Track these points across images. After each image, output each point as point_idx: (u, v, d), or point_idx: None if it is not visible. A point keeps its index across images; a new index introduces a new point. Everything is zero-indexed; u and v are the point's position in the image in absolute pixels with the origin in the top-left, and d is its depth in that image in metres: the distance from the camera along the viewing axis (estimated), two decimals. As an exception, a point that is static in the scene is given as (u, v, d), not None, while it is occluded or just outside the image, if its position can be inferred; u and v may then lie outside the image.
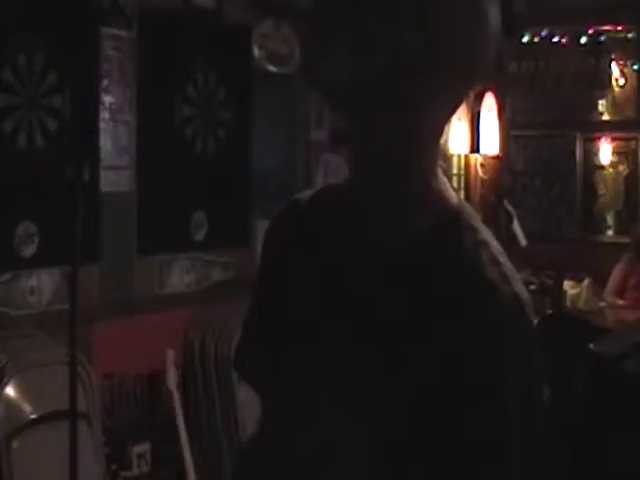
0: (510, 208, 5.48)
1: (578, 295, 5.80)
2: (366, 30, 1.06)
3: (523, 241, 5.62)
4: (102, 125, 3.85)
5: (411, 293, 1.08)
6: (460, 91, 1.13)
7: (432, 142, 1.13)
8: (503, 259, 1.10)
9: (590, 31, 6.32)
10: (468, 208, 1.15)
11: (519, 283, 1.09)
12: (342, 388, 1.10)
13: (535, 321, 1.09)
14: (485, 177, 6.68)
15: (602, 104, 6.46)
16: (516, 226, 5.38)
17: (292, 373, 1.17)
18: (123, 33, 3.93)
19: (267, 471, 1.19)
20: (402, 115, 1.09)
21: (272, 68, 4.72)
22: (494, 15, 1.09)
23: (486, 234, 1.12)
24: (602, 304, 5.49)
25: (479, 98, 6.29)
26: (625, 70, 6.36)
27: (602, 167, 6.52)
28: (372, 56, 1.06)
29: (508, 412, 1.03)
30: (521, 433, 1.03)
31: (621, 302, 5.37)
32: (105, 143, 3.87)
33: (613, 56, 6.38)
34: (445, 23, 1.05)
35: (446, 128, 1.15)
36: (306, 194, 1.27)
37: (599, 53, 6.40)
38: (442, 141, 1.15)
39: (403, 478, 1.05)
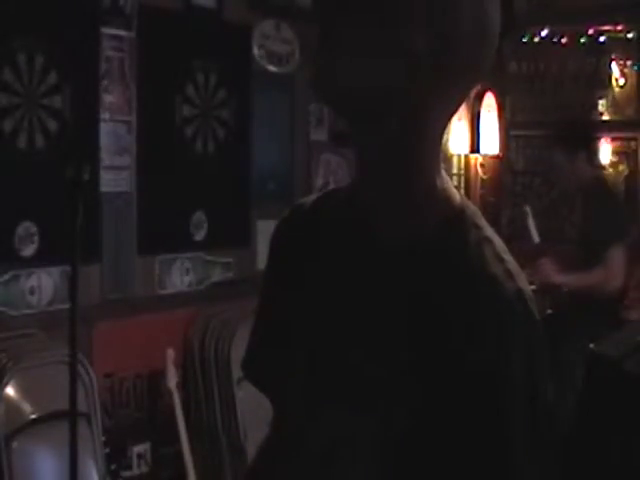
0: (527, 208, 5.52)
1: (578, 295, 5.78)
2: (371, 31, 1.06)
3: (536, 238, 5.63)
4: (102, 125, 3.85)
5: (416, 291, 1.08)
6: (463, 90, 1.14)
7: (435, 141, 1.13)
8: (507, 256, 1.10)
9: (590, 31, 6.32)
10: (471, 206, 1.15)
11: (523, 279, 1.09)
12: (350, 389, 1.10)
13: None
14: (485, 177, 6.68)
15: (602, 104, 6.45)
16: (530, 223, 5.41)
17: (301, 376, 1.17)
18: (123, 33, 3.92)
19: (279, 473, 1.19)
20: (407, 115, 1.09)
21: (272, 68, 4.72)
22: (496, 14, 1.10)
23: (489, 231, 1.13)
24: (602, 304, 5.49)
25: (479, 98, 6.29)
26: (625, 70, 6.36)
27: (602, 167, 6.52)
28: (377, 57, 1.06)
29: (513, 408, 1.02)
30: (526, 431, 1.03)
31: (621, 302, 5.36)
32: (105, 143, 3.87)
33: (613, 56, 6.38)
34: (450, 23, 1.05)
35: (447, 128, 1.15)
36: (310, 198, 1.28)
37: (599, 53, 6.40)
38: (443, 141, 1.15)
39: (410, 478, 1.05)
